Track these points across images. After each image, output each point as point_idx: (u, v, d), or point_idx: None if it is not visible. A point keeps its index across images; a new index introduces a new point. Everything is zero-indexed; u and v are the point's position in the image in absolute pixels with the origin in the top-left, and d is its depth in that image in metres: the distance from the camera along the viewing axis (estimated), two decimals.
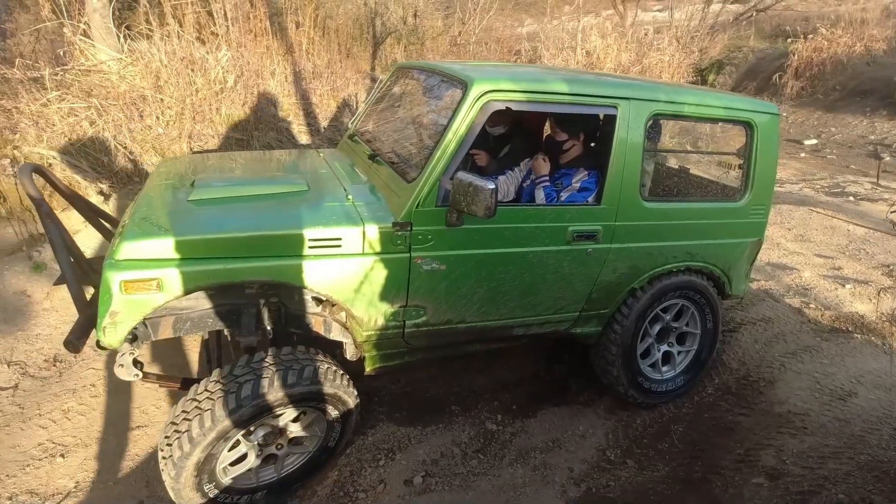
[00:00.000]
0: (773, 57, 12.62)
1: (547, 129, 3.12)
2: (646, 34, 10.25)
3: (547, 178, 2.60)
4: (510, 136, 3.04)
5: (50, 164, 3.26)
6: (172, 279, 1.84)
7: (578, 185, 2.53)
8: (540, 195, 2.55)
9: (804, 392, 2.72)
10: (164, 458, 1.98)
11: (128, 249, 1.80)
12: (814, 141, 9.82)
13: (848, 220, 5.29)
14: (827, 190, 6.97)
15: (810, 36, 11.48)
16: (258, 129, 4.36)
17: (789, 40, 12.44)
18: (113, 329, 1.84)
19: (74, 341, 1.86)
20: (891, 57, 11.08)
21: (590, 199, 2.43)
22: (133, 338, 1.97)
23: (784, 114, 11.02)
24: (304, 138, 4.81)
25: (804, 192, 6.86)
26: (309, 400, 2.11)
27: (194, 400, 1.98)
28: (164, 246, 1.84)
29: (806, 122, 10.79)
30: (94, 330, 1.95)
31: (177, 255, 1.85)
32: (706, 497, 2.19)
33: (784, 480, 2.12)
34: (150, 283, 1.81)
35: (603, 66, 9.05)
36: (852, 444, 2.25)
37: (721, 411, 2.75)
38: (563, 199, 2.53)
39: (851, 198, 6.38)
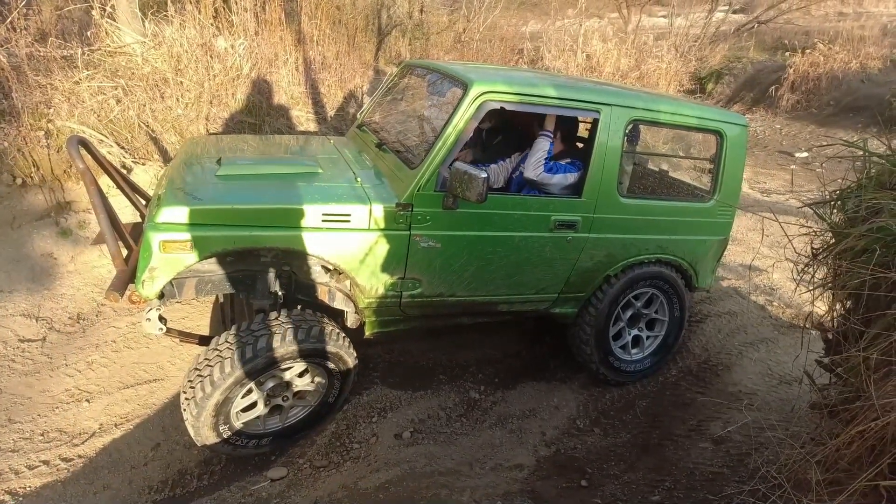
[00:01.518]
0: (772, 69, 12.90)
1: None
2: (645, 42, 10.49)
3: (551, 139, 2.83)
4: (498, 131, 3.33)
5: None
6: (203, 242, 2.12)
7: (564, 162, 2.81)
8: (544, 144, 2.74)
9: (756, 376, 3.03)
10: (186, 399, 2.26)
11: (167, 214, 2.07)
12: (805, 154, 10.12)
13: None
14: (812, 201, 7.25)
15: (808, 50, 11.76)
16: (269, 114, 4.62)
17: (788, 53, 12.71)
18: (150, 283, 2.12)
19: (115, 293, 2.13)
20: (885, 75, 11.38)
21: (570, 178, 2.69)
22: (160, 295, 2.25)
23: (778, 126, 11.31)
24: (311, 126, 5.07)
25: (789, 203, 7.16)
26: (314, 356, 2.39)
27: (216, 349, 2.26)
28: (198, 213, 2.12)
29: (798, 136, 11.08)
30: (130, 283, 2.23)
31: (207, 222, 2.13)
32: (659, 458, 2.49)
33: (726, 445, 2.43)
34: (184, 244, 2.09)
35: (602, 70, 9.31)
36: (789, 419, 2.55)
37: (681, 390, 3.06)
38: (548, 169, 2.77)
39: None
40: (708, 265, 3.18)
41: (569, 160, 2.81)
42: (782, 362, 3.16)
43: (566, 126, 2.93)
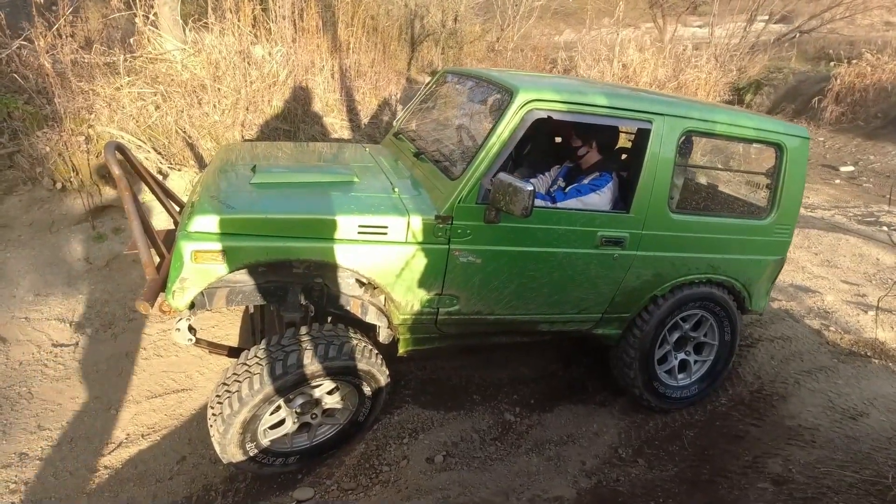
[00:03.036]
0: (814, 80, 12.44)
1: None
2: (684, 50, 10.23)
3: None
4: (528, 142, 3.20)
5: None
6: (235, 252, 2.05)
7: (588, 181, 2.68)
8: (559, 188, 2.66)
9: (816, 409, 2.79)
10: (213, 414, 2.18)
11: (199, 223, 2.01)
12: (850, 168, 9.68)
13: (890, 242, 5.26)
14: (860, 218, 6.90)
15: (854, 61, 11.30)
16: (304, 121, 4.60)
17: (832, 63, 12.25)
18: (181, 293, 2.05)
19: (146, 302, 2.08)
20: None
21: (600, 194, 2.56)
22: (191, 305, 2.18)
23: (821, 139, 10.87)
24: (345, 133, 5.03)
25: (835, 219, 6.81)
26: (345, 374, 2.29)
27: (245, 364, 2.18)
28: (231, 222, 2.05)
29: (843, 149, 10.62)
30: (161, 292, 2.17)
31: (241, 231, 2.05)
32: (712, 497, 2.30)
33: (788, 486, 2.22)
34: (216, 254, 2.02)
35: (639, 80, 9.10)
36: (858, 460, 2.33)
37: (733, 420, 2.85)
38: (566, 192, 2.68)
39: (885, 227, 6.31)
40: (762, 287, 2.98)
41: (597, 174, 2.66)
42: (844, 394, 2.92)
43: (603, 135, 2.78)
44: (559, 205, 2.57)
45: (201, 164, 3.86)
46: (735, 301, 2.92)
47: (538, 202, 2.32)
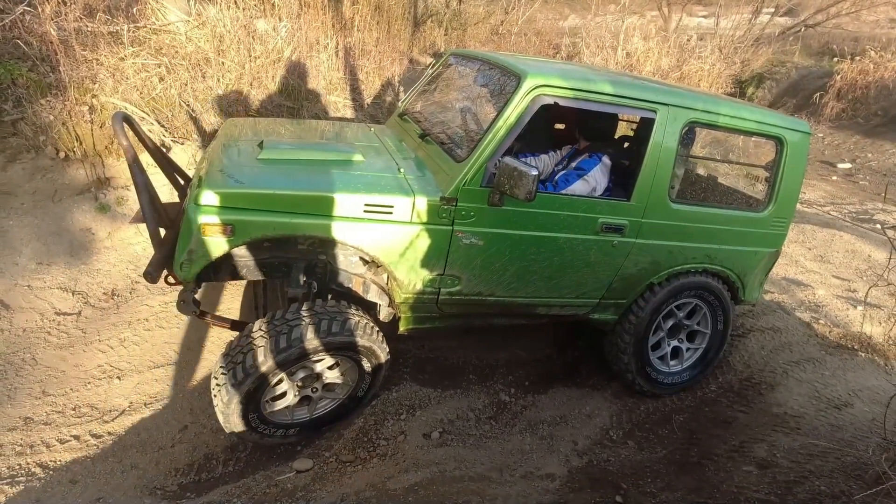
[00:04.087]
0: (817, 75, 12.43)
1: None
2: (688, 40, 10.17)
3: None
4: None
5: None
6: (243, 226, 2.07)
7: (575, 164, 2.72)
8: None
9: (802, 398, 2.88)
10: (217, 385, 2.22)
11: (207, 196, 2.03)
12: (848, 165, 9.72)
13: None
14: (854, 215, 6.98)
15: (858, 57, 11.28)
16: (308, 99, 4.58)
17: (835, 59, 12.22)
18: (189, 265, 2.08)
19: (153, 273, 2.11)
20: None
21: (587, 179, 2.62)
22: (196, 277, 2.21)
23: (820, 134, 10.90)
24: (348, 112, 5.02)
25: (830, 216, 6.88)
26: (346, 350, 2.33)
27: (249, 337, 2.22)
28: (239, 197, 2.07)
29: (842, 146, 10.66)
30: (168, 265, 2.20)
31: (249, 206, 2.08)
32: (699, 479, 2.38)
33: (772, 470, 2.30)
34: (224, 227, 2.04)
35: (642, 68, 9.06)
36: (840, 447, 2.41)
37: (721, 407, 2.93)
38: (557, 176, 2.73)
39: (878, 226, 6.38)
40: (757, 278, 3.04)
41: (585, 156, 2.70)
42: (830, 384, 3.01)
43: (600, 122, 2.81)
44: (561, 191, 2.61)
45: (204, 138, 3.85)
46: (729, 291, 2.98)
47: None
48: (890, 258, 1.87)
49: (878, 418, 2.75)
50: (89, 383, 2.75)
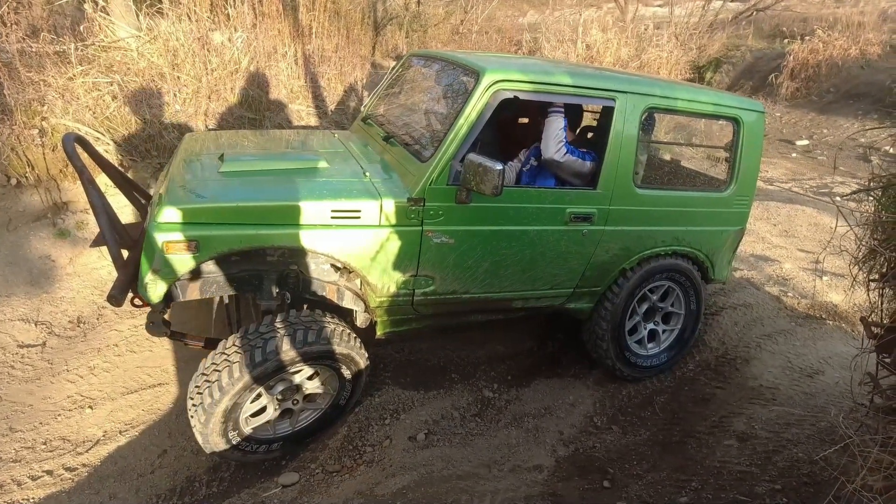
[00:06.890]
0: (771, 57, 12.81)
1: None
2: (645, 29, 10.38)
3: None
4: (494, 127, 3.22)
5: None
6: (208, 241, 2.03)
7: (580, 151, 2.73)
8: (559, 122, 2.60)
9: (776, 369, 2.96)
10: (194, 405, 2.17)
11: (169, 213, 1.98)
12: (805, 142, 10.04)
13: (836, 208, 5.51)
14: (815, 190, 7.21)
15: (807, 38, 11.66)
16: (270, 109, 4.51)
17: (787, 41, 12.62)
18: (154, 285, 2.03)
19: (117, 296, 2.04)
20: (885, 61, 11.31)
21: (587, 166, 2.62)
22: (164, 297, 2.15)
23: (778, 114, 11.22)
24: (312, 120, 4.96)
25: (792, 191, 7.10)
26: (324, 358, 2.30)
27: (223, 353, 2.18)
28: (202, 212, 2.02)
29: (799, 123, 11.01)
30: (132, 287, 2.14)
31: (212, 220, 2.03)
32: (683, 457, 2.42)
33: (752, 442, 2.36)
34: (188, 244, 1.99)
35: (603, 59, 9.20)
36: (815, 414, 2.49)
37: (700, 385, 2.99)
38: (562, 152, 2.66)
39: (838, 198, 6.60)
40: (724, 257, 3.11)
41: (584, 150, 2.73)
42: (802, 354, 3.10)
43: (572, 115, 2.84)
44: (577, 160, 2.59)
45: (164, 155, 3.75)
46: (699, 271, 3.04)
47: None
48: (836, 225, 1.94)
49: (847, 383, 2.84)
50: (59, 415, 2.65)
